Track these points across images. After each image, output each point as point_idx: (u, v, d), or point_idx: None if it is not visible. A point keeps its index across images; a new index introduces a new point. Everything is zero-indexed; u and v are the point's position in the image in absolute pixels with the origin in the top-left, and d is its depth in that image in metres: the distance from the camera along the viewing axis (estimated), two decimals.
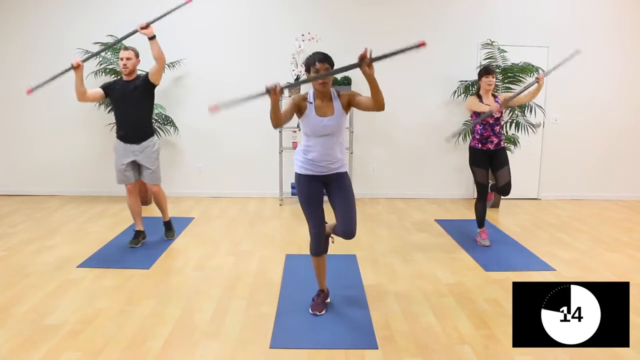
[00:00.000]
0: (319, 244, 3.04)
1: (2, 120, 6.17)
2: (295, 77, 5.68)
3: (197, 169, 6.30)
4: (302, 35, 5.66)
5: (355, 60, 2.45)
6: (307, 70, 2.86)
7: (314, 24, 5.80)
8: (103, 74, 5.71)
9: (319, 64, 2.77)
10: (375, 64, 2.44)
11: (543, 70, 5.56)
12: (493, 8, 6.07)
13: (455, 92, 6.01)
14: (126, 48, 4.16)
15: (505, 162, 4.36)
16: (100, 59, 5.68)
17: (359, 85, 5.91)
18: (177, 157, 6.25)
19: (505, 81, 5.69)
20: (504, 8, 6.06)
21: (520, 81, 5.80)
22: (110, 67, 5.64)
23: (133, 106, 4.11)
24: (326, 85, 2.80)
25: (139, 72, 4.23)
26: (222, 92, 6.06)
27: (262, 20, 6.03)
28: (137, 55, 4.11)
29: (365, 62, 2.42)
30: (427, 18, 6.05)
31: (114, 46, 4.90)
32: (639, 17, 6.11)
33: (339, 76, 5.69)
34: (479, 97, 4.31)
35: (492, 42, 5.82)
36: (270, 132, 6.04)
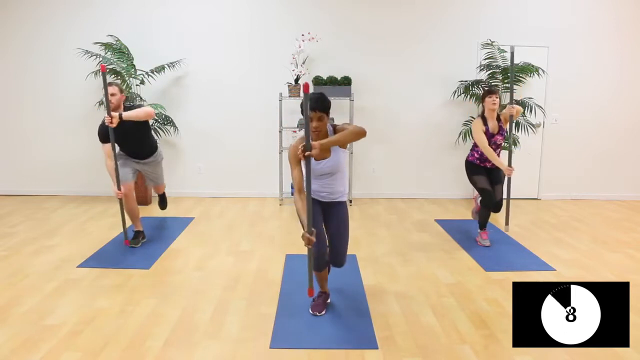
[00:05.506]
0: (322, 262, 3.02)
1: (2, 120, 6.17)
2: (295, 77, 5.68)
3: (197, 169, 6.29)
4: (302, 35, 5.67)
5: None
6: (303, 110, 2.77)
7: (314, 24, 5.80)
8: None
9: (311, 112, 2.69)
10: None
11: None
12: (493, 8, 6.07)
13: (455, 92, 6.01)
14: (110, 84, 4.00)
15: (500, 180, 4.39)
16: (100, 58, 5.68)
17: (359, 85, 5.93)
18: (177, 157, 6.25)
19: (505, 81, 5.68)
20: (504, 8, 6.06)
21: (520, 81, 5.81)
22: (110, 67, 5.63)
23: (131, 137, 4.17)
24: (319, 133, 2.75)
25: (126, 105, 4.24)
26: (222, 92, 6.15)
27: (262, 20, 6.02)
28: (121, 90, 4.09)
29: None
30: (427, 18, 6.05)
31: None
32: (639, 17, 6.11)
33: (338, 76, 5.69)
34: (484, 119, 4.30)
35: (492, 42, 5.81)
36: (271, 132, 6.05)
